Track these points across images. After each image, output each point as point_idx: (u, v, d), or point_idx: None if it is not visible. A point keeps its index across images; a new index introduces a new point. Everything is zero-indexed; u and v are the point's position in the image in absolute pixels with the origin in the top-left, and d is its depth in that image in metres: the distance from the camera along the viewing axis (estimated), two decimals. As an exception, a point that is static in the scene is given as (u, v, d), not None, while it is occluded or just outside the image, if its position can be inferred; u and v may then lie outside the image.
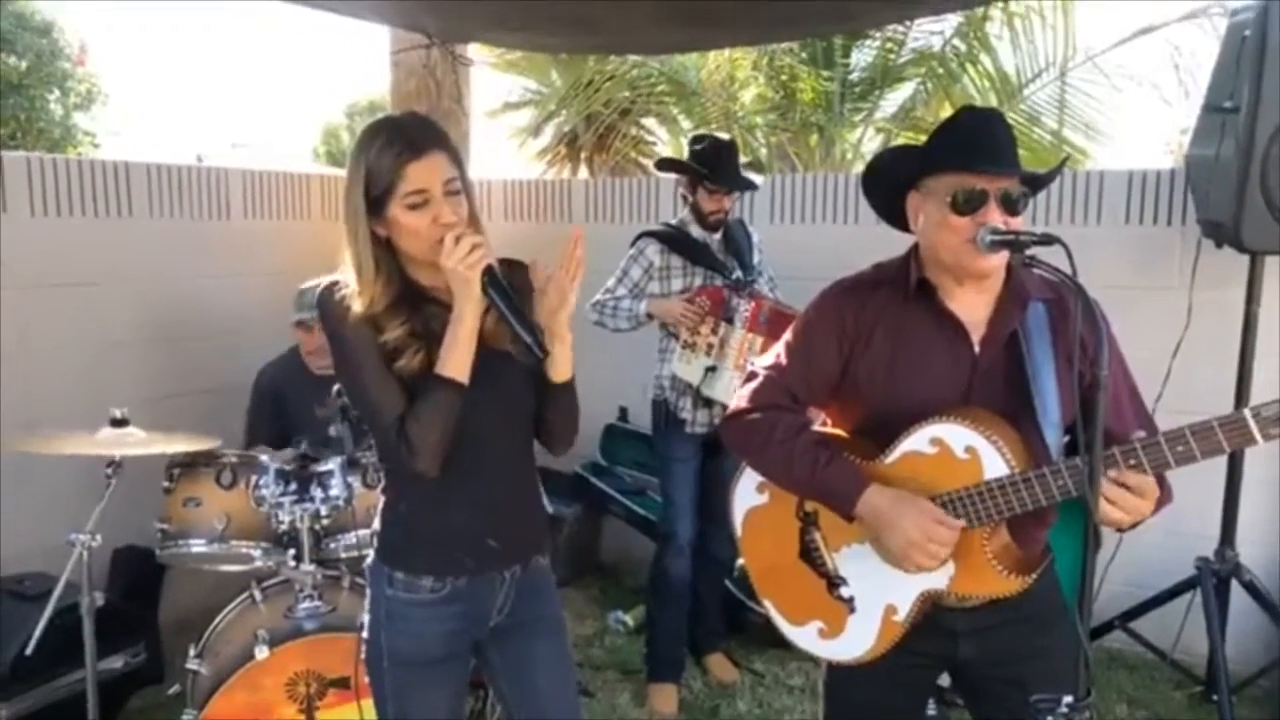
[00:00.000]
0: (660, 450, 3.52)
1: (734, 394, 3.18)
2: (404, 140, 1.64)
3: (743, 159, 3.63)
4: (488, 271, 1.62)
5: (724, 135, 3.58)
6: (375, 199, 1.64)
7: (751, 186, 3.50)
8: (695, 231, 3.41)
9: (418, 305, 1.70)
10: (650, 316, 3.35)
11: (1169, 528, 3.17)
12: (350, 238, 1.68)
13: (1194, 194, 3.33)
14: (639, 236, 3.45)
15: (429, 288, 1.73)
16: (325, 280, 1.72)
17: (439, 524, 1.75)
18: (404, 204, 1.63)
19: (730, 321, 3.26)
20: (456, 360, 1.64)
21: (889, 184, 1.78)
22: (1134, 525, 1.57)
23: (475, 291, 1.62)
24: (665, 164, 3.69)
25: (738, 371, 3.21)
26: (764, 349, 3.17)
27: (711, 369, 3.27)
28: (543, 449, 1.89)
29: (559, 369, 1.75)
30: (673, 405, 3.38)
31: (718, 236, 3.44)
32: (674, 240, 3.39)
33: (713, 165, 3.33)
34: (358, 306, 1.66)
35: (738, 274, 3.36)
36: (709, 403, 3.31)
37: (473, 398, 1.67)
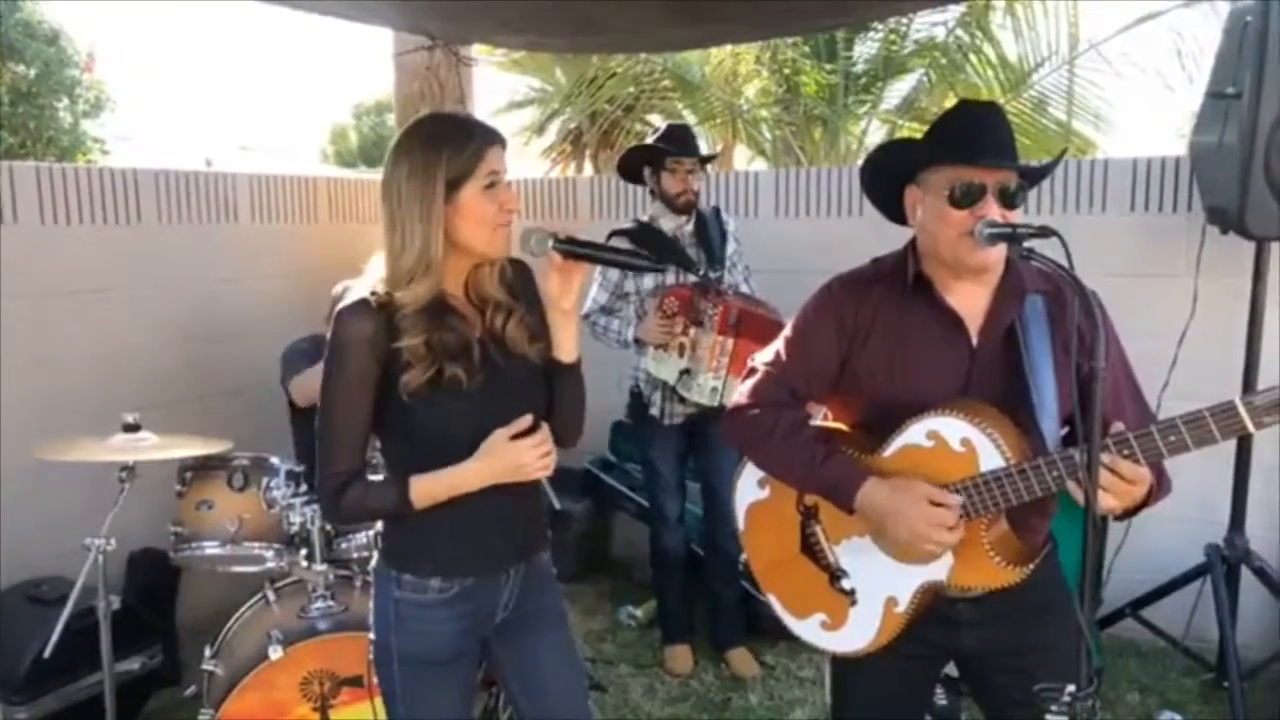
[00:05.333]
0: (640, 439, 3.65)
1: (710, 395, 3.24)
2: (481, 128, 1.73)
3: (717, 144, 3.72)
4: (566, 241, 1.71)
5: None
6: (452, 180, 1.66)
7: (711, 158, 3.63)
8: (666, 224, 3.47)
9: (439, 315, 1.70)
10: (640, 342, 3.42)
11: (1178, 515, 3.18)
12: (419, 222, 1.65)
13: (1199, 181, 3.33)
14: (610, 235, 3.50)
15: (450, 294, 1.74)
16: (353, 294, 1.70)
17: (445, 527, 1.76)
18: (481, 184, 1.67)
19: (700, 325, 3.29)
20: (434, 496, 1.70)
21: (888, 177, 1.79)
22: (1128, 513, 1.58)
23: (507, 476, 1.71)
24: (626, 159, 3.63)
25: (712, 374, 3.28)
26: (736, 351, 3.21)
27: (686, 372, 3.32)
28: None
29: (566, 349, 1.79)
30: (646, 398, 3.47)
31: (689, 228, 3.48)
32: (643, 237, 3.43)
33: (669, 142, 3.46)
34: (410, 295, 1.65)
35: (704, 270, 3.40)
36: (684, 398, 3.36)
37: (489, 404, 1.70)
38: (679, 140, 3.47)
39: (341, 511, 1.73)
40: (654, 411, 3.45)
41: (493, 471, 1.70)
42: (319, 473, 1.74)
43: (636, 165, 3.54)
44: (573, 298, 1.76)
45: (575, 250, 1.72)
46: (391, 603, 1.79)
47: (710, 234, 3.48)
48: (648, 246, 3.41)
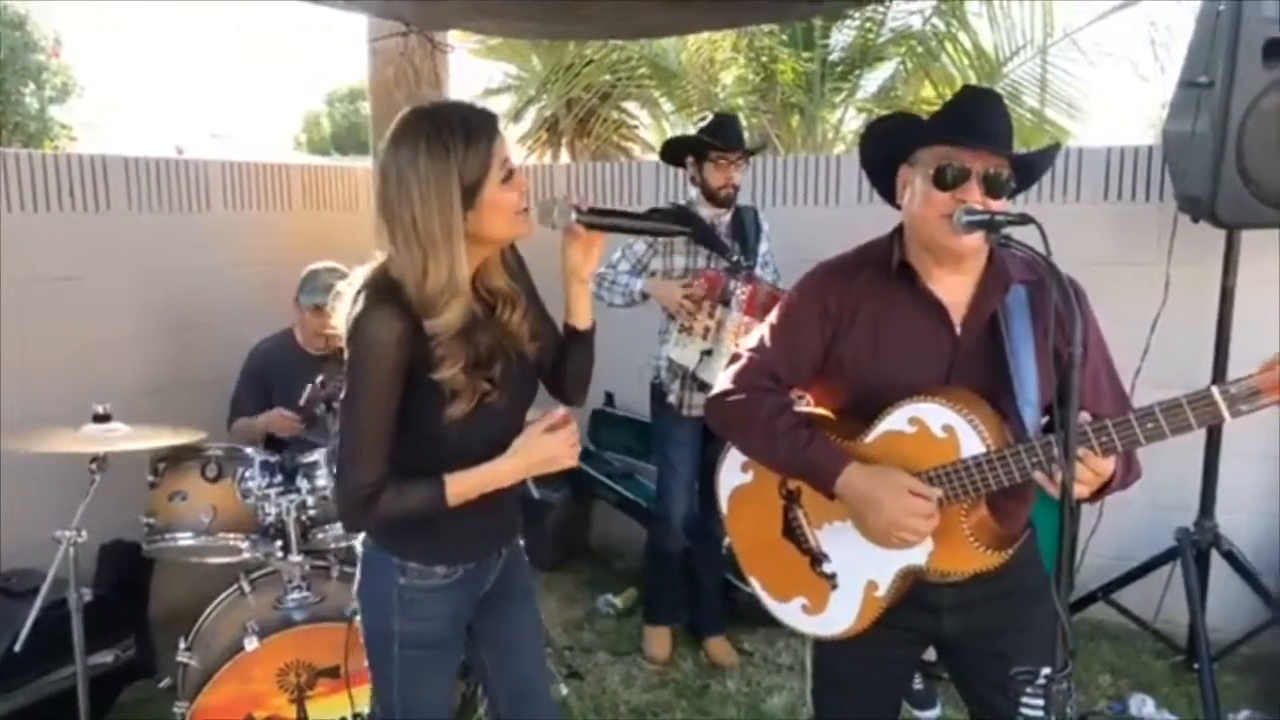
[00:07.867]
0: (656, 433, 3.58)
1: None
2: (482, 118, 1.63)
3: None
4: (590, 212, 1.71)
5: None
6: (468, 187, 1.58)
7: (755, 151, 3.57)
8: (704, 212, 3.43)
9: (469, 333, 1.66)
10: (645, 296, 3.36)
11: (1150, 500, 3.23)
12: (443, 242, 1.57)
13: (1171, 169, 3.36)
14: (647, 214, 3.47)
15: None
16: (361, 292, 1.63)
17: (452, 517, 1.73)
18: (499, 177, 1.62)
19: (726, 305, 3.27)
20: (468, 495, 1.69)
21: (884, 153, 1.78)
22: (1095, 497, 1.60)
23: (540, 469, 1.73)
24: (670, 146, 3.61)
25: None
26: None
27: (708, 353, 3.28)
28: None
29: (582, 316, 1.84)
30: (665, 387, 3.42)
31: (726, 218, 3.45)
32: (680, 220, 3.39)
33: (717, 134, 3.39)
34: (442, 324, 1.59)
35: (737, 257, 3.38)
36: (703, 385, 3.33)
37: (512, 413, 1.75)
38: (726, 132, 3.40)
39: (371, 521, 1.72)
40: (671, 400, 3.40)
41: (528, 465, 1.73)
42: (341, 485, 1.68)
43: (680, 153, 3.50)
44: (593, 266, 1.79)
45: (599, 221, 1.72)
46: (395, 588, 1.79)
47: (746, 228, 3.47)
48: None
